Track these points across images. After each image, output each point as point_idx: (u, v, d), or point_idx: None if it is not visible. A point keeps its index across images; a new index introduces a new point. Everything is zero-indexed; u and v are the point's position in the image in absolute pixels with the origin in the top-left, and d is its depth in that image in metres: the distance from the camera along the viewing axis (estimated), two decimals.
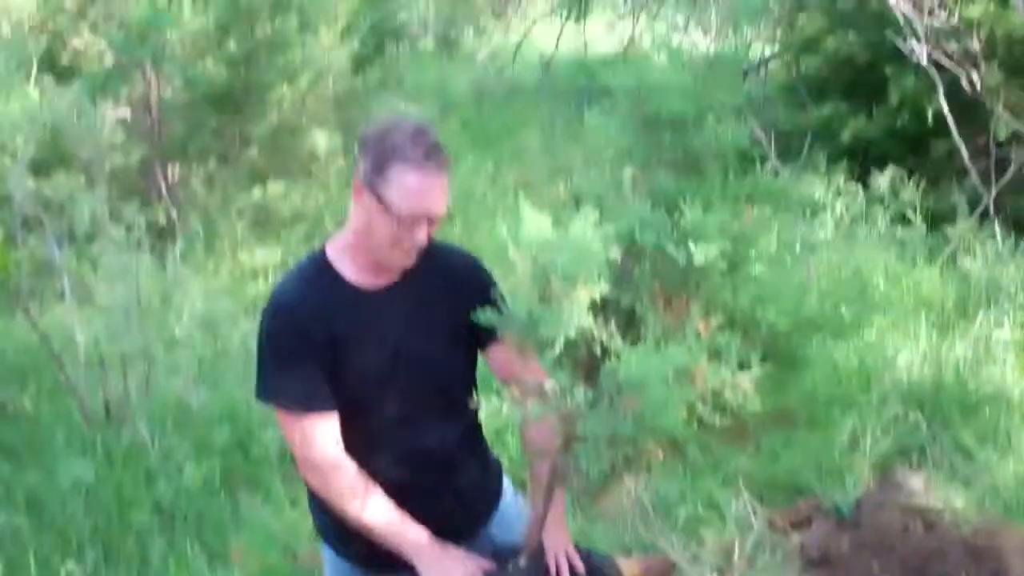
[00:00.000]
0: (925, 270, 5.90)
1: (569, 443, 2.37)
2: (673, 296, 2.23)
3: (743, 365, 2.14)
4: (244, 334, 5.00)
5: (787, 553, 3.51)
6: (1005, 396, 4.54)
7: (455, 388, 2.72)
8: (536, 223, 2.11)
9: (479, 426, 2.86)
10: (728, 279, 2.24)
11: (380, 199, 2.40)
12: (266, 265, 7.03)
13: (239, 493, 4.17)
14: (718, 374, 2.08)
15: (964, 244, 6.00)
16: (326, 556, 2.92)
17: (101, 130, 5.61)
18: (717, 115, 2.25)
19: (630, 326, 2.20)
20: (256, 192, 7.65)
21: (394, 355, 2.56)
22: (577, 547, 2.86)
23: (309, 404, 2.46)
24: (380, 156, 2.43)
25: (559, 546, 2.70)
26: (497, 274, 2.58)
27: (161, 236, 6.78)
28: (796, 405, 2.39)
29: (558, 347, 2.08)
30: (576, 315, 2.08)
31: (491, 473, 2.91)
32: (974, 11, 6.46)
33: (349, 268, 2.53)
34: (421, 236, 2.45)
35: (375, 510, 2.54)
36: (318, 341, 2.46)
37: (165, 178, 7.50)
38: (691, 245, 2.12)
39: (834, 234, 6.36)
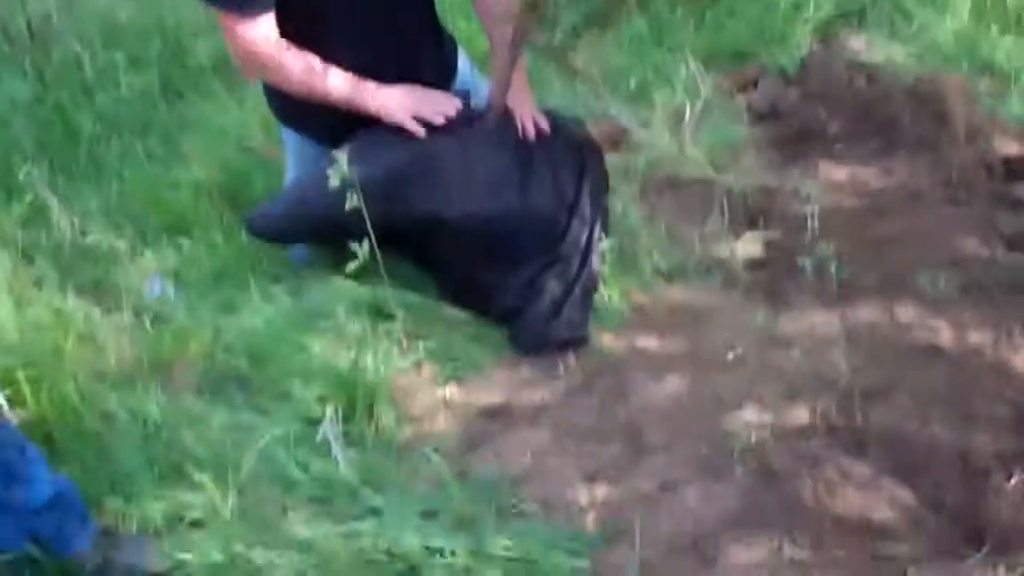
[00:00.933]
0: None
1: (533, 3, 2.34)
2: None
3: None
4: None
5: (736, 112, 3.58)
6: None
7: None
8: None
9: (434, 9, 2.81)
10: None
11: None
12: None
13: (180, 101, 4.11)
14: None
15: None
16: (288, 139, 2.93)
17: None
18: None
19: None
20: None
21: None
22: (542, 110, 2.90)
23: (251, 3, 2.39)
24: None
25: (524, 108, 2.72)
26: None
27: None
28: None
29: None
30: None
31: (447, 50, 2.90)
32: None
33: None
34: None
35: (335, 78, 2.53)
36: None
37: None
38: None
39: None
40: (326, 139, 2.79)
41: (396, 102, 2.54)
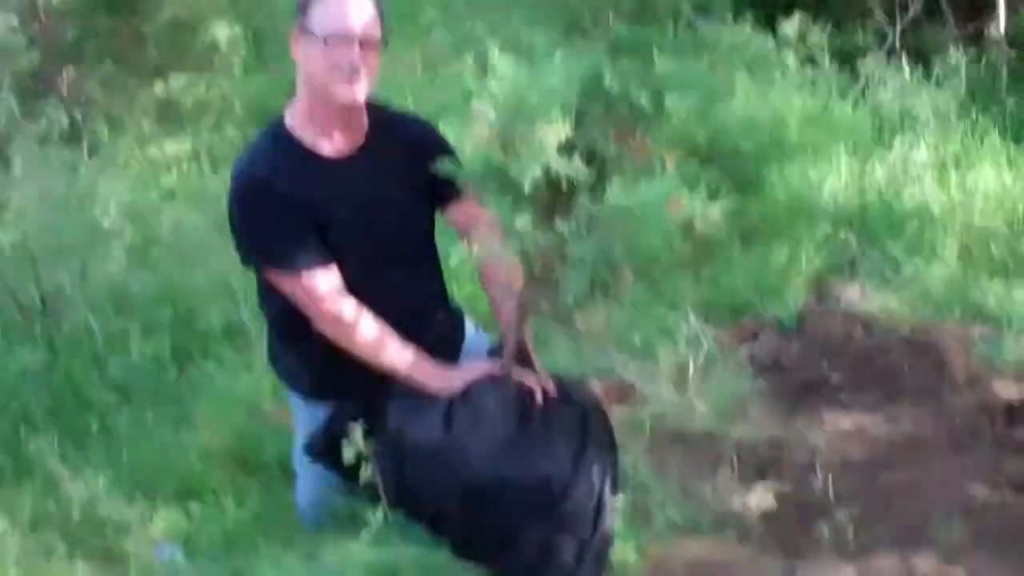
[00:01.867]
0: (839, 106, 6.01)
1: (537, 276, 2.45)
2: (630, 134, 2.30)
3: (713, 195, 2.24)
4: (172, 221, 4.94)
5: (738, 365, 3.65)
6: (927, 210, 4.71)
7: (420, 244, 2.84)
8: (508, 68, 2.15)
9: (443, 280, 2.94)
10: (694, 120, 2.32)
11: (306, 32, 2.46)
12: (178, 156, 6.91)
13: (190, 366, 4.17)
14: (696, 205, 2.17)
15: (874, 79, 6.11)
16: (296, 405, 2.97)
17: None
18: None
19: (590, 166, 2.27)
20: (158, 87, 7.47)
21: (363, 217, 2.62)
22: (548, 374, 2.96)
23: (310, 259, 2.52)
24: (303, 1, 2.48)
25: (532, 374, 2.79)
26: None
27: (66, 139, 6.62)
28: (759, 223, 2.49)
29: (527, 187, 2.14)
30: (544, 154, 2.14)
31: (455, 320, 3.00)
32: None
33: (310, 136, 2.59)
34: (353, 58, 2.49)
35: (403, 353, 2.62)
36: (298, 204, 2.50)
37: (65, 83, 7.27)
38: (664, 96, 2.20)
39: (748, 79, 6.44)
40: (331, 394, 2.85)
41: (453, 384, 2.62)
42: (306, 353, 2.79)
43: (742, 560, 2.61)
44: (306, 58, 2.50)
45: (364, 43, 2.48)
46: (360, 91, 2.53)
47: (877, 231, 4.57)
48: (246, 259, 2.63)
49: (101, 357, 4.11)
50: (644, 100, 2.19)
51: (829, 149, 5.45)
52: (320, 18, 2.46)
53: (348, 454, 2.29)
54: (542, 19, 7.92)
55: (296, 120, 2.59)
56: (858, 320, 3.80)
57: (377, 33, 2.52)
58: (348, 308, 2.57)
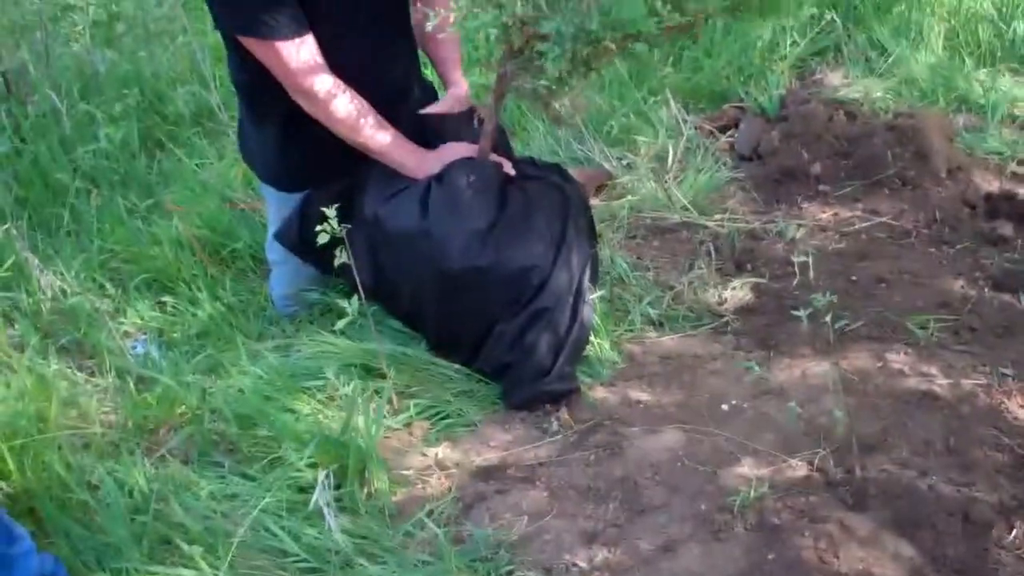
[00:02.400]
0: None
1: (517, 49, 2.34)
2: None
3: None
4: None
5: (718, 153, 3.59)
6: None
7: (398, 16, 2.73)
8: None
9: (418, 57, 2.86)
10: None
11: None
12: None
13: (160, 152, 4.08)
14: None
15: None
16: (268, 194, 2.92)
17: None
18: None
19: None
20: None
21: None
22: (521, 158, 2.91)
23: (287, 26, 2.42)
24: None
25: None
26: None
27: None
28: None
29: None
30: None
31: (431, 99, 2.92)
32: None
33: None
34: None
35: (382, 133, 2.56)
36: None
37: None
38: None
39: None
40: (300, 186, 2.81)
41: (430, 167, 2.57)
42: (279, 140, 2.73)
43: (718, 354, 2.62)
44: None
45: None
46: None
47: (864, 13, 4.44)
48: (218, 24, 2.53)
49: (69, 143, 4.00)
50: None
51: None
52: None
53: (322, 238, 2.24)
54: None
55: None
56: (841, 106, 3.71)
57: None
58: (325, 80, 2.49)
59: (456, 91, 2.80)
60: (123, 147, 3.98)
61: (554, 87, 2.42)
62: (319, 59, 2.47)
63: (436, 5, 2.66)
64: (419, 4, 2.76)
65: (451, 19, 2.24)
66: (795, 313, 2.15)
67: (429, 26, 2.29)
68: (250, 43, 2.47)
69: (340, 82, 2.51)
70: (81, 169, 3.88)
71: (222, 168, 3.72)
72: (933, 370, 2.43)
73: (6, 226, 3.18)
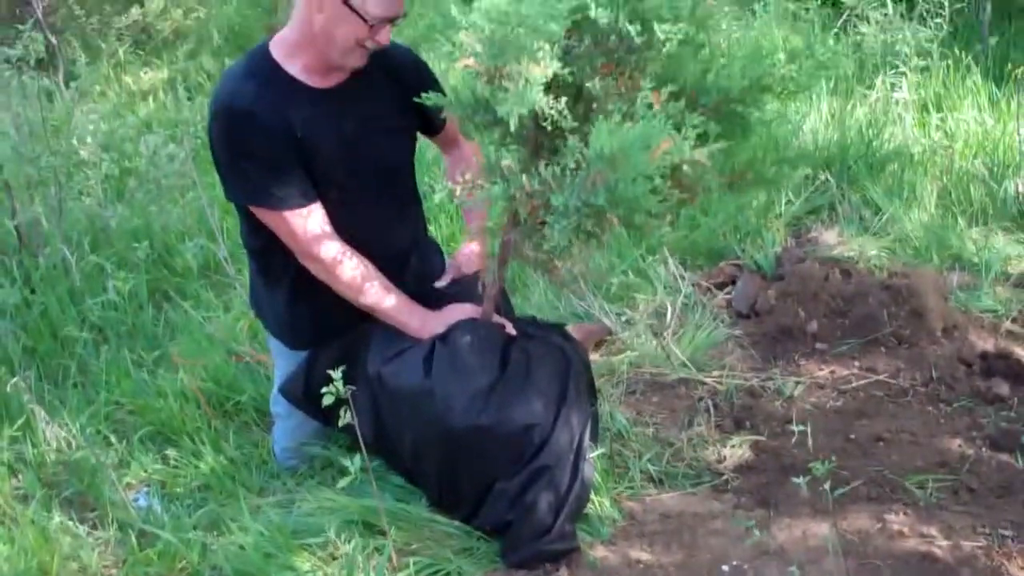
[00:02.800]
0: (822, 40, 5.95)
1: (521, 219, 2.43)
2: (618, 70, 2.26)
3: (700, 138, 2.21)
4: (149, 152, 4.87)
5: (716, 309, 3.65)
6: (907, 152, 4.70)
7: (404, 181, 2.83)
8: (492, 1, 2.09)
9: (424, 220, 2.95)
10: (685, 53, 2.27)
11: (349, 5, 2.38)
12: (153, 85, 6.85)
13: (167, 304, 4.15)
14: (682, 149, 2.14)
15: (856, 12, 6.05)
16: (274, 348, 2.97)
17: None
18: None
19: (576, 104, 2.23)
20: (134, 12, 7.36)
21: (352, 149, 2.60)
22: (522, 318, 2.97)
23: (294, 198, 2.50)
24: None
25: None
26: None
27: (42, 66, 6.52)
28: (744, 168, 2.47)
29: (512, 125, 2.10)
30: (531, 92, 2.10)
31: (436, 259, 3.00)
32: None
33: (297, 69, 2.52)
34: (385, 38, 2.46)
35: (380, 294, 2.63)
36: (282, 136, 2.47)
37: (42, 6, 7.14)
38: (654, 25, 2.15)
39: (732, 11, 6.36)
40: (309, 347, 2.85)
41: (433, 327, 2.62)
42: (288, 300, 2.79)
43: (718, 513, 2.63)
44: (332, 21, 2.42)
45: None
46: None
47: (857, 173, 4.57)
48: (229, 195, 2.61)
49: (78, 295, 4.08)
50: (633, 32, 2.14)
51: (812, 85, 5.44)
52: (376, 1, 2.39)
53: (327, 399, 2.28)
54: None
55: (282, 51, 2.53)
56: (836, 264, 3.79)
57: None
58: (332, 247, 2.56)
59: (463, 254, 2.88)
60: (131, 299, 4.05)
61: (557, 254, 2.50)
62: (326, 227, 2.55)
63: (460, 162, 2.79)
64: (447, 157, 2.86)
65: (458, 191, 2.33)
66: (795, 480, 2.17)
67: (437, 197, 2.38)
68: (260, 212, 2.55)
69: (346, 248, 2.58)
70: (89, 320, 3.95)
71: (228, 321, 3.78)
72: (932, 531, 2.44)
73: (14, 379, 3.22)
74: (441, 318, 2.69)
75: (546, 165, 2.23)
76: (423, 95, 2.38)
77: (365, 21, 2.39)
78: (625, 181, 2.12)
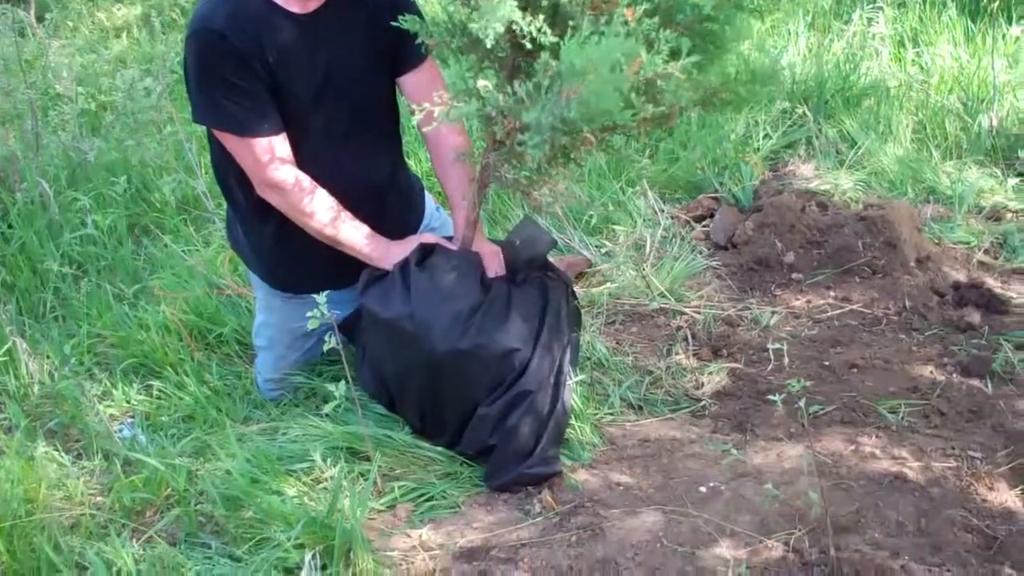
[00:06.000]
0: None
1: (499, 140, 2.44)
2: None
3: (674, 54, 2.21)
4: (125, 86, 4.84)
5: (694, 241, 3.68)
6: (883, 86, 4.73)
7: (381, 114, 2.80)
8: None
9: (402, 152, 2.93)
10: None
11: None
12: (127, 21, 6.77)
13: (146, 239, 4.15)
14: (653, 64, 2.14)
15: None
16: (255, 281, 2.99)
17: None
18: None
19: (553, 23, 2.23)
20: None
21: (325, 80, 2.59)
22: (501, 240, 2.97)
23: (261, 126, 2.49)
24: None
25: (484, 245, 2.81)
26: None
27: (13, 1, 6.44)
28: (719, 87, 2.48)
29: (489, 42, 2.11)
30: (506, 7, 2.10)
31: (415, 196, 3.00)
32: None
33: None
34: None
35: (354, 230, 2.63)
36: (255, 65, 2.45)
37: None
38: None
39: None
40: (290, 288, 2.87)
41: (391, 256, 2.64)
42: (262, 239, 2.79)
43: (696, 438, 2.68)
44: None
45: None
46: None
47: (834, 107, 4.59)
48: (195, 116, 2.60)
49: (56, 229, 4.07)
50: None
51: (788, 19, 5.46)
52: None
53: (312, 324, 2.34)
54: None
55: None
56: (812, 197, 3.83)
57: None
58: (291, 176, 2.56)
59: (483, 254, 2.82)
60: (110, 233, 4.04)
61: (535, 176, 2.52)
62: (287, 156, 2.54)
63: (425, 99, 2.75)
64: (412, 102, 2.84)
65: (435, 112, 2.33)
66: (770, 398, 2.21)
67: (415, 119, 2.38)
68: (224, 137, 2.55)
69: (306, 178, 2.57)
70: (68, 255, 3.94)
71: (209, 255, 3.79)
72: (904, 453, 2.50)
73: None
74: (403, 246, 2.69)
75: (520, 84, 2.23)
76: (400, 18, 2.38)
77: None
78: (596, 94, 2.12)
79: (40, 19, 6.34)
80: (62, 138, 4.57)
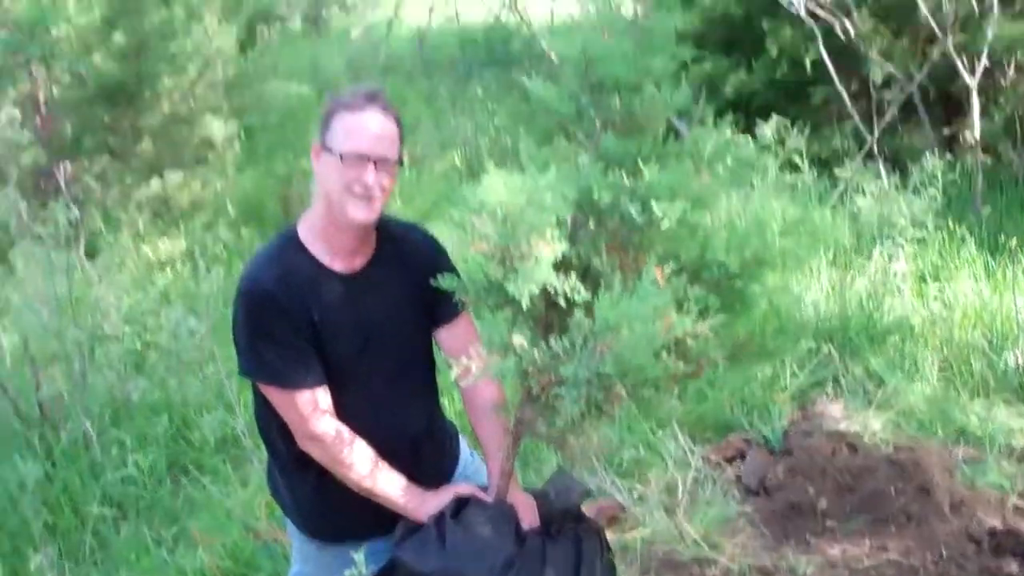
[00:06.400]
0: (819, 212, 6.17)
1: (534, 395, 2.52)
2: (623, 249, 2.39)
3: (702, 312, 2.31)
4: (171, 326, 5.01)
5: (726, 485, 3.72)
6: (907, 324, 4.82)
7: (420, 368, 2.88)
8: (501, 183, 2.23)
9: (439, 402, 3.01)
10: (684, 231, 2.40)
11: (327, 148, 2.52)
12: (171, 256, 7.04)
13: (185, 479, 4.22)
14: (684, 323, 2.25)
15: (852, 184, 6.28)
16: (292, 529, 3.02)
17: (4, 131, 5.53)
18: (656, 79, 2.40)
19: (585, 281, 2.35)
20: (154, 184, 7.62)
21: (366, 338, 2.68)
22: (535, 490, 3.01)
23: (305, 380, 2.58)
24: (327, 113, 2.56)
25: (519, 497, 2.85)
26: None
27: (64, 238, 6.72)
28: (746, 341, 2.57)
29: (524, 303, 2.22)
30: (541, 269, 2.23)
31: (450, 442, 3.05)
32: None
33: (321, 250, 2.63)
34: (368, 178, 2.53)
35: (391, 481, 2.68)
36: (301, 323, 2.57)
37: (63, 177, 7.39)
38: (653, 205, 2.28)
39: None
40: (327, 541, 2.90)
41: (427, 508, 2.69)
42: (301, 488, 2.85)
43: None
44: (324, 173, 2.54)
45: (380, 164, 2.52)
46: (373, 211, 2.60)
47: (859, 345, 4.68)
48: (243, 371, 2.69)
49: (98, 468, 4.15)
50: (634, 212, 2.27)
51: (810, 258, 5.61)
52: (340, 135, 2.51)
53: None
54: (525, 118, 8.11)
55: (308, 232, 2.64)
56: (842, 439, 3.87)
57: (394, 155, 2.57)
58: (332, 428, 2.61)
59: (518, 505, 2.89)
60: (151, 473, 4.12)
61: (568, 429, 2.58)
62: (329, 409, 2.61)
63: (461, 353, 2.84)
64: (449, 357, 2.92)
65: (472, 368, 2.41)
66: None
67: (452, 375, 2.45)
68: (268, 390, 2.64)
69: (346, 429, 2.63)
70: (109, 495, 4.00)
71: (246, 496, 3.84)
72: None
73: (36, 557, 3.26)
74: (438, 498, 2.73)
75: (556, 339, 2.32)
76: (438, 277, 2.50)
77: (341, 159, 2.53)
78: (630, 349, 2.21)
79: (89, 255, 6.60)
80: (107, 377, 4.71)
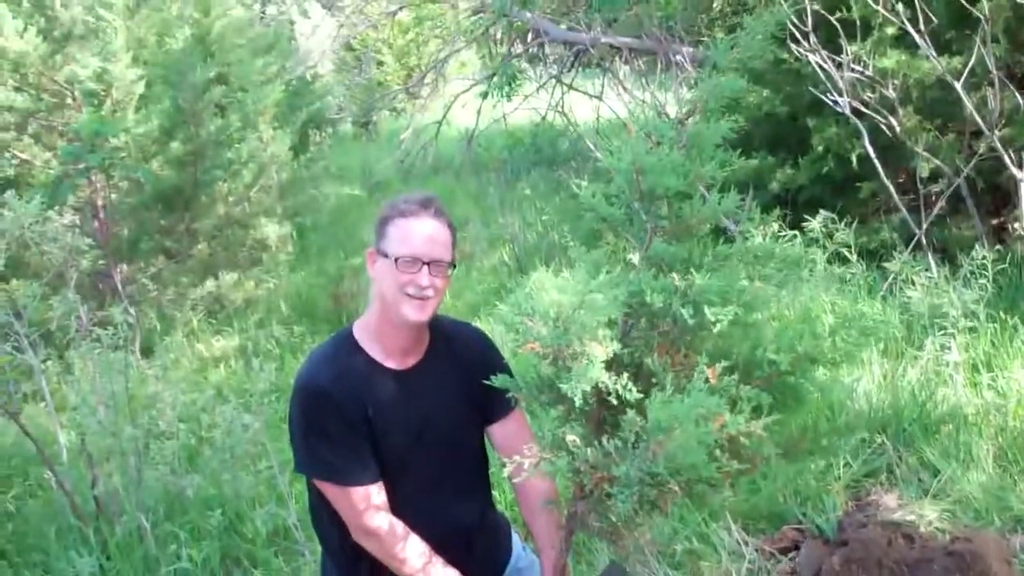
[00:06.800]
0: (869, 303, 6.16)
1: (587, 491, 2.54)
2: (674, 348, 2.42)
3: (755, 410, 2.33)
4: (225, 423, 5.07)
5: None
6: (960, 413, 4.78)
7: (472, 462, 2.92)
8: (552, 284, 2.29)
9: (491, 495, 3.03)
10: (735, 331, 2.43)
11: (382, 253, 2.60)
12: (225, 353, 7.14)
13: (237, 572, 4.24)
14: (737, 422, 2.27)
15: (902, 276, 6.27)
16: None
17: (64, 237, 5.70)
18: (707, 185, 2.47)
19: (637, 380, 2.38)
20: (209, 284, 7.78)
21: (418, 435, 2.73)
22: None
23: (360, 477, 2.62)
24: (382, 220, 2.65)
25: None
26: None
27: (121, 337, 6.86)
28: (799, 437, 2.58)
29: (577, 401, 2.25)
30: (594, 369, 2.26)
31: (502, 535, 3.07)
32: (887, 62, 6.83)
33: (376, 350, 2.70)
34: (422, 279, 2.61)
35: (433, 574, 2.70)
36: (356, 421, 2.62)
37: (120, 278, 7.58)
38: (705, 309, 2.32)
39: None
40: None
41: None
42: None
43: None
44: (379, 277, 2.63)
45: (433, 266, 2.60)
46: (427, 311, 2.65)
47: (912, 435, 4.64)
48: (298, 467, 2.74)
49: (152, 562, 4.18)
50: (686, 314, 2.30)
51: (861, 350, 5.59)
52: (395, 241, 2.59)
53: None
54: (573, 215, 8.21)
55: (363, 332, 2.71)
56: (898, 529, 3.82)
57: (447, 257, 2.64)
58: (387, 524, 2.64)
59: None
60: (204, 566, 4.15)
61: (621, 525, 2.59)
62: (384, 505, 2.65)
63: (513, 449, 2.86)
64: (502, 453, 2.94)
65: (525, 465, 2.44)
66: None
67: (505, 472, 2.48)
68: (324, 487, 2.68)
69: (401, 525, 2.66)
70: None
71: None
72: None
73: None
74: None
75: (608, 438, 2.34)
76: (491, 375, 2.54)
77: (396, 263, 2.58)
78: (682, 449, 2.23)
79: (145, 354, 6.73)
80: (162, 472, 4.77)
